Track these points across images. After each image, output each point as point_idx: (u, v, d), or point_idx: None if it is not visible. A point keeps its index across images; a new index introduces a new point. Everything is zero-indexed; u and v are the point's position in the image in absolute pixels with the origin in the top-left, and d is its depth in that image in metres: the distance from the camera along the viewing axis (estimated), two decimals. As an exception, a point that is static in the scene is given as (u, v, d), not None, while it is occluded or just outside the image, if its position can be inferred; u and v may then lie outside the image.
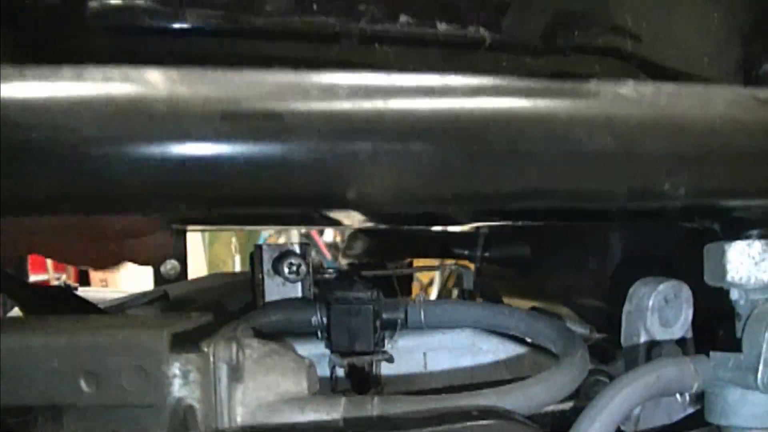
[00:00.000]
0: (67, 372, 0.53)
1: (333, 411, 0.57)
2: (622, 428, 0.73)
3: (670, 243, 1.15)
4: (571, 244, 1.47)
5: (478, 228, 1.73)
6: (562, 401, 0.69)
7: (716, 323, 0.81)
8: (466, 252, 1.69)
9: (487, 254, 1.72)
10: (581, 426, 0.61)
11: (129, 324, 0.55)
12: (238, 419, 0.57)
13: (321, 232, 3.92)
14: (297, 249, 0.84)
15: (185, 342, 0.56)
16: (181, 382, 0.55)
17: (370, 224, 1.50)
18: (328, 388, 0.80)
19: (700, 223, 0.73)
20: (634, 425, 0.77)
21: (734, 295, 0.70)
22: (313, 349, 0.81)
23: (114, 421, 0.54)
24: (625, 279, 0.82)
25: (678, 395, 0.72)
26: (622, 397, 0.63)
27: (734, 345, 0.69)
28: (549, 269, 1.56)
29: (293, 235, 3.98)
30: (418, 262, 2.38)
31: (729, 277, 0.68)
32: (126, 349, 0.53)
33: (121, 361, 0.53)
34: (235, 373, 0.57)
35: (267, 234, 3.94)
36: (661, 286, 0.78)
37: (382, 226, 1.56)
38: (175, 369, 0.55)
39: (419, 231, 1.82)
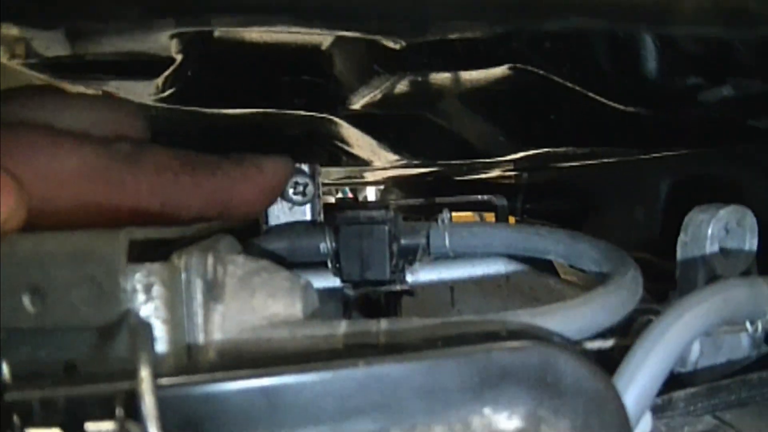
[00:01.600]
0: (8, 288, 0.44)
1: (330, 332, 0.47)
2: (675, 368, 0.64)
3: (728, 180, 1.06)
4: (619, 195, 1.39)
5: (518, 176, 1.65)
6: (605, 338, 0.58)
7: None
8: (506, 203, 1.59)
9: (528, 206, 1.64)
10: (632, 362, 0.51)
11: (81, 232, 0.46)
12: (216, 344, 0.47)
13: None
14: (305, 168, 0.75)
15: (150, 251, 0.47)
16: (142, 297, 0.45)
17: (401, 170, 1.43)
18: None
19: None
20: (693, 367, 0.67)
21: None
22: (326, 283, 0.73)
23: (65, 346, 0.45)
24: (674, 228, 0.74)
25: (745, 333, 0.62)
26: (682, 324, 0.53)
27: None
28: (595, 223, 1.48)
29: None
30: (456, 218, 2.30)
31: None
32: (75, 257, 0.44)
33: (70, 273, 0.44)
34: (213, 291, 0.47)
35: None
36: (722, 212, 0.69)
37: (417, 172, 1.49)
38: (135, 281, 0.45)
39: (456, 183, 1.76)
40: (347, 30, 0.60)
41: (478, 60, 0.71)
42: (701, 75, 0.65)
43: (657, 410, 0.61)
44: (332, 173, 1.60)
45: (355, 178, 1.79)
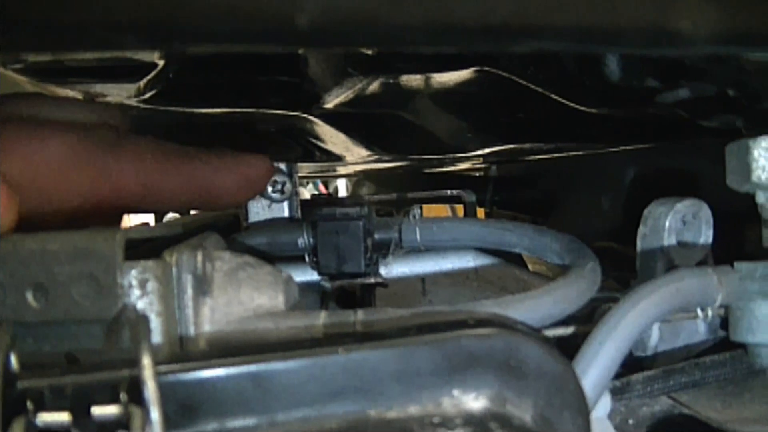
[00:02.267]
0: (13, 285, 0.47)
1: (311, 321, 0.52)
2: (636, 353, 0.68)
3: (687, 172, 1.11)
4: (585, 186, 1.42)
5: (487, 169, 1.68)
6: (566, 325, 0.63)
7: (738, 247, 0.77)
8: (475, 196, 1.62)
9: (497, 198, 1.67)
10: (590, 346, 0.55)
11: (81, 232, 0.49)
12: (206, 335, 0.51)
13: (334, 194, 3.88)
14: (282, 167, 0.79)
15: (144, 249, 0.51)
16: (138, 292, 0.49)
17: (373, 164, 1.46)
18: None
19: (722, 119, 0.67)
20: (652, 351, 0.72)
21: (761, 198, 0.64)
22: (304, 277, 0.76)
23: (66, 338, 0.49)
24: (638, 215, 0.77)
25: (699, 318, 0.67)
26: (637, 312, 0.57)
27: (761, 254, 0.64)
28: (563, 212, 1.52)
29: (305, 196, 3.96)
30: (427, 212, 2.33)
31: (755, 177, 0.62)
32: (76, 255, 0.48)
33: (71, 269, 0.48)
34: (202, 286, 0.51)
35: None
36: (679, 205, 0.73)
37: (388, 166, 1.52)
38: (131, 278, 0.49)
39: (426, 176, 1.78)
40: (327, 48, 0.63)
41: (446, 64, 0.75)
42: (659, 79, 0.69)
43: (616, 392, 0.65)
44: (306, 167, 1.62)
45: (328, 171, 1.81)
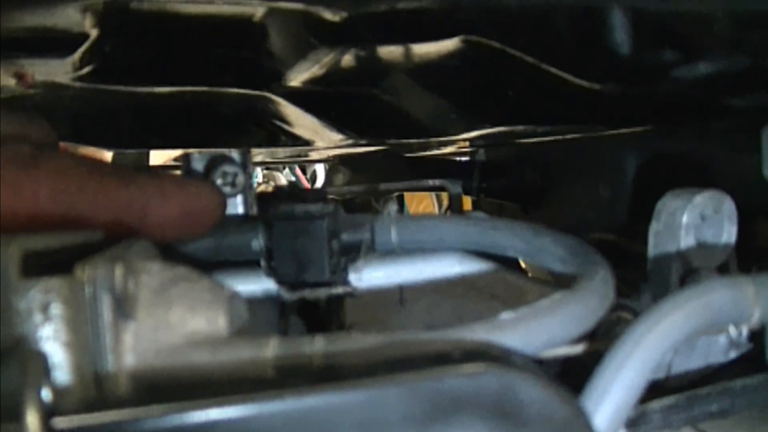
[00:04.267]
0: None
1: (257, 354, 0.43)
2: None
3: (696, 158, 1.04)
4: (581, 172, 1.37)
5: (474, 153, 1.62)
6: (573, 343, 0.55)
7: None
8: (460, 183, 1.56)
9: (484, 184, 1.61)
10: (605, 374, 0.48)
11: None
12: (128, 369, 0.43)
13: (312, 181, 3.85)
14: (234, 155, 0.71)
15: (48, 264, 0.43)
16: (39, 318, 0.41)
17: (347, 149, 1.40)
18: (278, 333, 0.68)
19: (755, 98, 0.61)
20: (665, 371, 0.65)
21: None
22: (261, 285, 0.69)
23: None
24: (644, 206, 0.71)
25: (724, 334, 0.60)
26: (660, 331, 0.50)
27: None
28: (556, 202, 1.46)
29: (282, 182, 3.91)
30: (411, 202, 2.27)
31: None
32: (-44, 272, 0.40)
33: (-48, 290, 0.40)
34: (123, 307, 0.43)
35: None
36: (698, 198, 0.67)
37: (364, 150, 1.46)
38: (29, 300, 0.41)
39: (407, 160, 1.73)
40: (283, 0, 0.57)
41: (427, 31, 0.68)
42: (677, 49, 0.62)
43: (630, 424, 0.58)
44: (277, 152, 1.57)
45: (299, 156, 1.76)
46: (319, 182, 3.78)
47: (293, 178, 3.89)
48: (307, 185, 3.79)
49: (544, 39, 0.65)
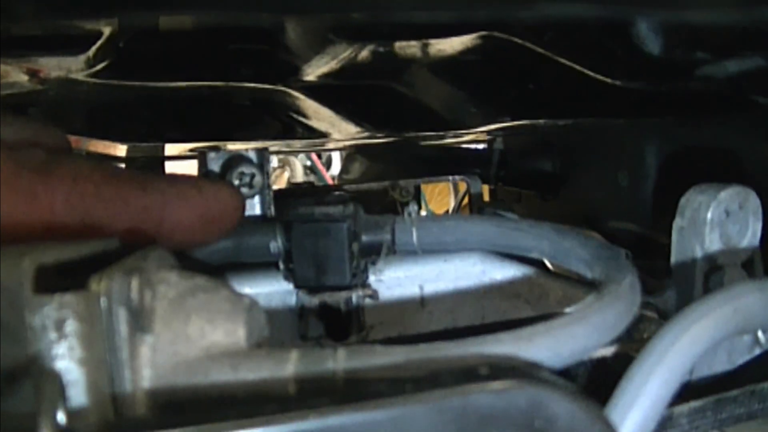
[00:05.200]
0: None
1: (278, 370, 0.42)
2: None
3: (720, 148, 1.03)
4: (601, 159, 1.35)
5: (492, 141, 1.61)
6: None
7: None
8: (478, 171, 1.55)
9: (502, 173, 1.60)
10: (636, 379, 0.47)
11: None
12: (145, 385, 0.42)
13: (327, 166, 3.83)
14: (252, 156, 0.70)
15: (63, 278, 0.41)
16: (53, 335, 0.40)
17: (360, 140, 1.39)
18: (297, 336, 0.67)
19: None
20: (689, 373, 0.63)
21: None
22: (280, 287, 0.68)
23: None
24: (665, 196, 0.69)
25: (756, 339, 0.59)
26: (689, 338, 0.49)
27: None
28: (575, 190, 1.44)
29: (298, 168, 3.90)
30: (426, 189, 2.25)
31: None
32: (-33, 288, 0.38)
33: (-37, 307, 0.38)
34: (140, 321, 0.41)
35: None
36: (722, 194, 0.65)
37: (380, 141, 1.45)
38: (43, 317, 0.39)
39: (424, 150, 1.72)
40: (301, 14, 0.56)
41: (447, 29, 0.67)
42: (706, 50, 0.60)
43: (657, 429, 0.56)
44: (294, 143, 1.56)
45: (316, 145, 1.75)
46: (335, 167, 3.76)
47: (308, 163, 3.88)
48: (323, 169, 3.77)
49: (570, 39, 0.64)
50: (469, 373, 0.39)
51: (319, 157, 3.76)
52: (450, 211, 2.10)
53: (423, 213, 2.02)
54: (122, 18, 0.58)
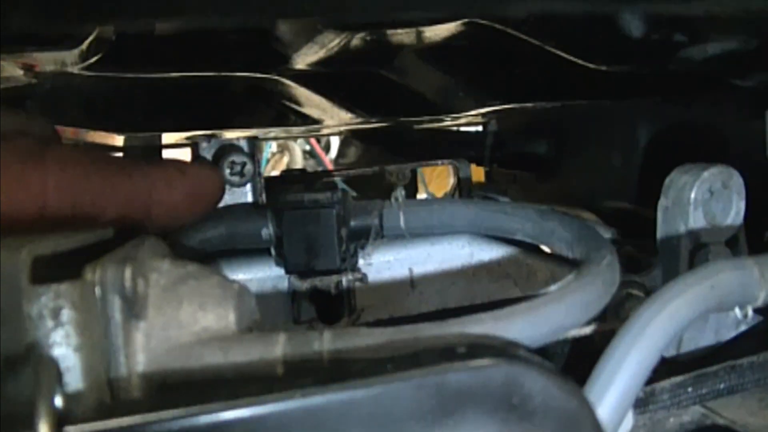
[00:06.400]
0: None
1: (267, 352, 0.44)
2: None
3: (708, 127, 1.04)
4: (595, 139, 1.36)
5: (486, 123, 1.61)
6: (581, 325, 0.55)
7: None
8: (472, 153, 1.55)
9: (497, 155, 1.60)
10: (614, 356, 0.48)
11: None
12: (140, 369, 0.44)
13: (326, 149, 3.83)
14: (243, 144, 0.71)
15: (59, 267, 0.43)
16: (50, 323, 0.41)
17: (354, 125, 1.40)
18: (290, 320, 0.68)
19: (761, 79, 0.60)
20: (676, 348, 0.65)
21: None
22: (272, 272, 0.69)
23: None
24: (657, 175, 0.71)
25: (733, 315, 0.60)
26: (666, 315, 0.50)
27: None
28: (569, 170, 1.45)
29: (297, 153, 3.91)
30: (426, 171, 2.26)
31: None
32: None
33: (-40, 297, 0.40)
34: (134, 308, 0.43)
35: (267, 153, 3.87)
36: (706, 174, 0.67)
37: (374, 126, 1.46)
38: (40, 306, 0.41)
39: (418, 133, 1.72)
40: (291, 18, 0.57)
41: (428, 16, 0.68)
42: (685, 32, 0.61)
43: (639, 404, 0.58)
44: (290, 130, 1.56)
45: (311, 131, 1.75)
46: (333, 150, 3.77)
47: (308, 147, 3.88)
48: (322, 153, 3.78)
49: (550, 26, 0.65)
50: (447, 352, 0.41)
51: (318, 141, 3.76)
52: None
53: (423, 196, 2.03)
54: (117, 25, 0.58)
